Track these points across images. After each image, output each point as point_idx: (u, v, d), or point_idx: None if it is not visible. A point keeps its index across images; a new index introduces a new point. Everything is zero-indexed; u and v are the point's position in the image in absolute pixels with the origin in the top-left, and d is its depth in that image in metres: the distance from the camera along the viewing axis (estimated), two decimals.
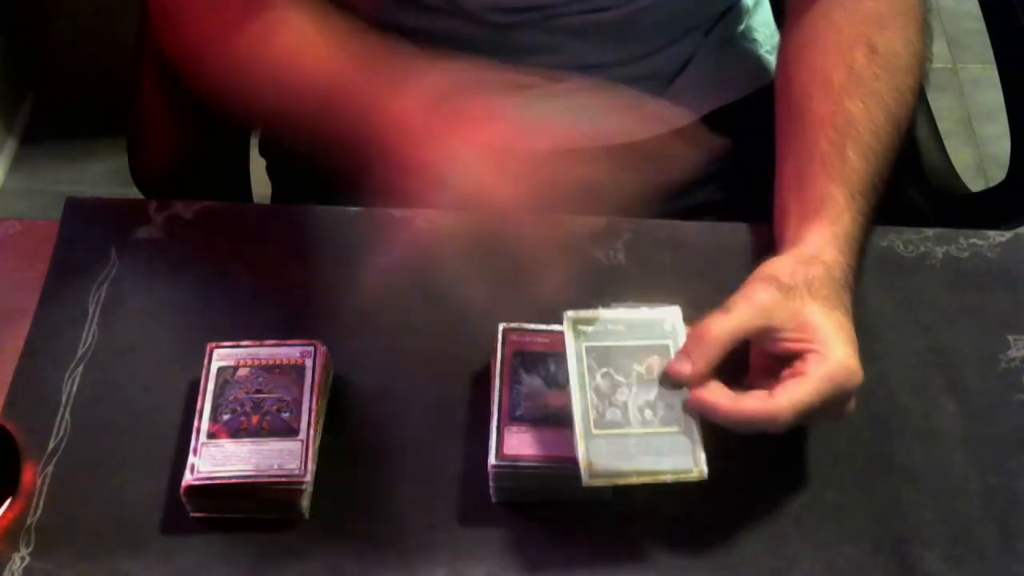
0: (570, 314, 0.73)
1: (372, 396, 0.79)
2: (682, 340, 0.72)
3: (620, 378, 0.71)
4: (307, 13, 0.83)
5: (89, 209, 0.89)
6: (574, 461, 0.70)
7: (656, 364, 0.72)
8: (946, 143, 1.13)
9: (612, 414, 0.70)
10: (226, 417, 0.73)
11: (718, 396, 0.70)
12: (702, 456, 0.69)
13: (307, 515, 0.73)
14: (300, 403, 0.74)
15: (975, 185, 1.13)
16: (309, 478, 0.72)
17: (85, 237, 0.87)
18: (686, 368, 0.70)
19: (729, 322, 0.71)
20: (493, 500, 0.74)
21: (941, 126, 1.13)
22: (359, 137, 0.77)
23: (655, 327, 0.73)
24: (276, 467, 0.72)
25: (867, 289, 0.85)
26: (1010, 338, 0.83)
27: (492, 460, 0.72)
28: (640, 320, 0.74)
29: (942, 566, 0.72)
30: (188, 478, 0.71)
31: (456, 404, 0.78)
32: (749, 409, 0.69)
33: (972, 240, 0.88)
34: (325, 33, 0.82)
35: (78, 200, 0.89)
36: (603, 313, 0.74)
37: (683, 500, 0.74)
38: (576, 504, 0.74)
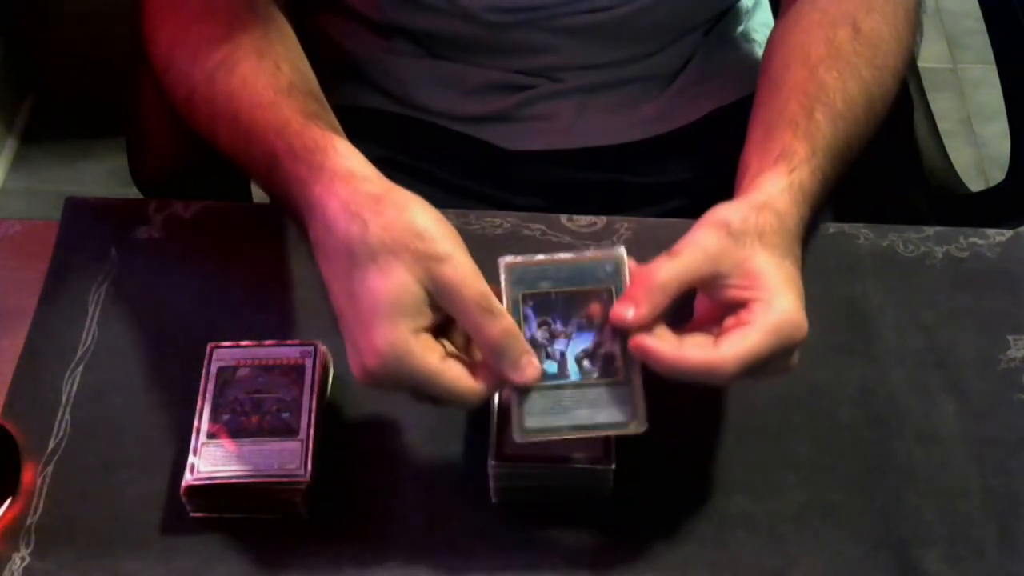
0: (506, 260, 0.69)
1: (372, 396, 0.79)
2: (626, 286, 0.68)
3: (558, 327, 0.67)
4: (259, 59, 0.79)
5: (89, 209, 0.89)
6: (574, 461, 0.70)
7: (598, 310, 0.67)
8: (946, 143, 1.13)
9: (549, 366, 0.67)
10: (226, 417, 0.73)
11: (661, 343, 0.66)
12: (642, 408, 0.66)
13: (307, 515, 0.73)
14: (300, 403, 0.74)
15: (975, 185, 1.13)
16: (309, 478, 0.72)
17: (85, 237, 0.87)
18: (628, 313, 0.66)
19: (675, 267, 0.67)
20: (493, 500, 0.74)
21: (941, 126, 1.13)
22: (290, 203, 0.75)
23: (597, 270, 0.68)
24: (276, 467, 0.72)
25: (867, 289, 0.85)
26: (1010, 338, 0.83)
27: (492, 460, 0.72)
28: (581, 265, 0.68)
29: (942, 566, 0.72)
30: (188, 478, 0.71)
31: None
32: (691, 359, 0.66)
33: (972, 240, 0.88)
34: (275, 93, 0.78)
35: (78, 200, 0.89)
36: (540, 257, 0.69)
37: (683, 499, 0.74)
38: (576, 504, 0.74)
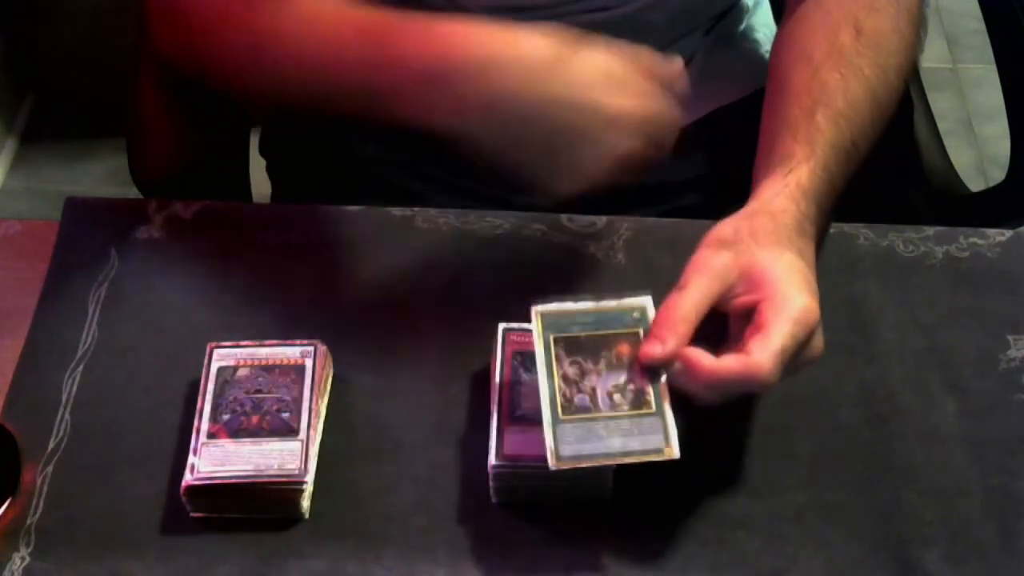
0: (539, 308, 0.72)
1: (372, 396, 0.79)
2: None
3: (589, 365, 0.70)
4: None
5: (89, 209, 0.89)
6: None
7: (627, 350, 0.70)
8: (946, 143, 1.13)
9: (580, 400, 0.69)
10: (226, 417, 0.73)
11: (700, 357, 0.68)
12: (674, 436, 0.68)
13: (307, 515, 0.73)
14: (300, 403, 0.74)
15: (975, 185, 1.13)
16: (309, 478, 0.72)
17: (85, 237, 0.87)
18: (657, 349, 0.68)
19: (689, 298, 0.69)
20: (493, 500, 0.74)
21: (941, 126, 1.13)
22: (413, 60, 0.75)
23: (625, 316, 0.72)
24: (276, 467, 0.72)
25: (867, 289, 0.85)
26: (1010, 338, 0.83)
27: (492, 460, 0.72)
28: (609, 310, 0.72)
29: (942, 566, 0.72)
30: (188, 478, 0.71)
31: (456, 404, 0.78)
32: (731, 366, 0.67)
33: (972, 240, 0.88)
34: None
35: (78, 200, 0.89)
36: (571, 305, 0.72)
37: (683, 500, 0.74)
38: (576, 504, 0.74)
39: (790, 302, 0.69)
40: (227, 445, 0.72)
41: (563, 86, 0.73)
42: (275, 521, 0.73)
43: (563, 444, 0.68)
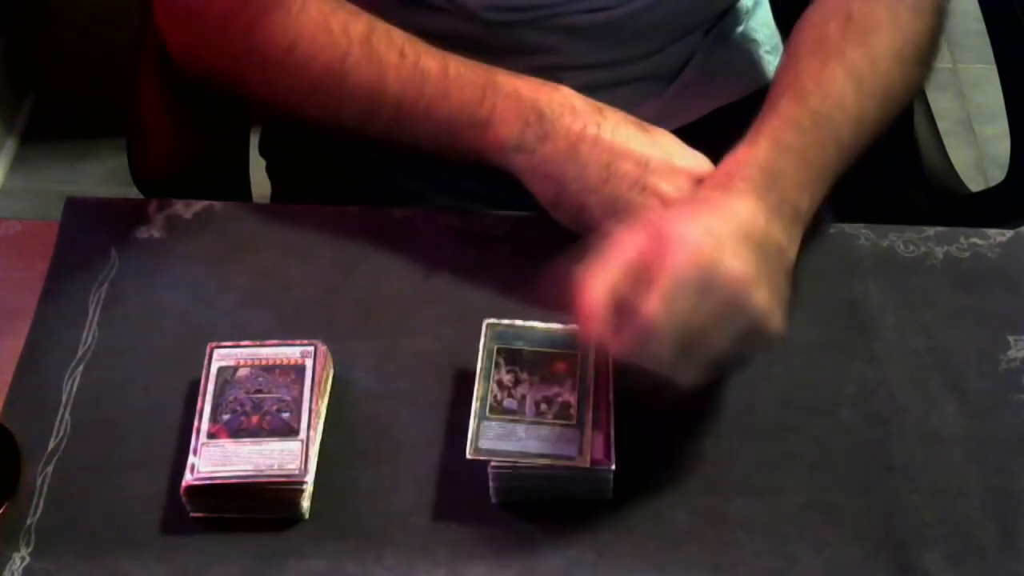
0: (489, 321, 0.77)
1: (372, 396, 0.79)
2: (592, 354, 0.75)
3: (524, 376, 0.75)
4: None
5: (89, 209, 0.89)
6: (575, 461, 0.70)
7: (562, 368, 0.75)
8: (946, 143, 1.13)
9: (509, 403, 0.73)
10: (226, 417, 0.74)
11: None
12: (588, 447, 0.71)
13: (307, 515, 0.73)
14: (300, 403, 0.74)
15: (975, 185, 1.13)
16: (309, 478, 0.72)
17: (85, 237, 0.87)
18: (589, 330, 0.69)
19: (599, 275, 0.69)
20: (493, 500, 0.74)
21: (941, 126, 1.13)
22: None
23: (568, 339, 0.76)
24: (276, 467, 0.72)
25: (867, 289, 0.85)
26: (1010, 338, 0.83)
27: (492, 460, 0.72)
28: (554, 332, 0.77)
29: (942, 566, 0.72)
30: (188, 478, 0.71)
31: (456, 404, 0.78)
32: (627, 331, 0.68)
33: (972, 240, 0.88)
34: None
35: (78, 200, 0.89)
36: (519, 323, 0.77)
37: (683, 500, 0.74)
38: (576, 504, 0.74)
39: (671, 249, 0.68)
40: (227, 445, 0.72)
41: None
42: (275, 521, 0.73)
43: (483, 438, 0.72)
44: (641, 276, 0.69)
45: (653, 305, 0.67)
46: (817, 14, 0.86)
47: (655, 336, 0.68)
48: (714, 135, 1.02)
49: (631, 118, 0.81)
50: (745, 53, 1.03)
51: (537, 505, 0.74)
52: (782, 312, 0.71)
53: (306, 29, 0.84)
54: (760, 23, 1.05)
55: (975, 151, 1.96)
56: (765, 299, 0.70)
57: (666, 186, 0.78)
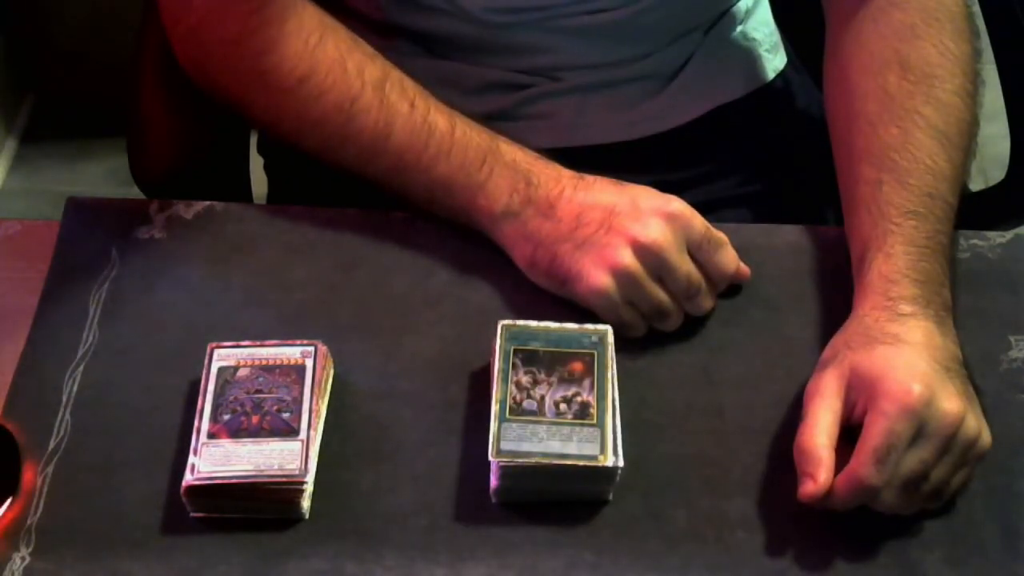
0: (504, 323, 0.77)
1: (372, 396, 0.79)
2: (609, 353, 0.76)
3: (542, 376, 0.75)
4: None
5: (89, 209, 0.89)
6: (597, 460, 0.70)
7: (579, 368, 0.75)
8: None
9: (528, 404, 0.73)
10: (226, 417, 0.73)
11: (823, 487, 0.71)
12: (610, 447, 0.72)
13: (307, 515, 0.73)
14: (300, 403, 0.74)
15: (975, 185, 1.13)
16: (309, 478, 0.72)
17: (85, 237, 0.87)
18: (810, 487, 0.71)
19: (814, 425, 0.73)
20: (493, 500, 0.74)
21: None
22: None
23: (583, 338, 0.76)
24: (276, 467, 0.72)
25: None
26: (1011, 338, 0.83)
27: (493, 460, 0.72)
28: (570, 331, 0.77)
29: (943, 567, 0.72)
30: (188, 478, 0.71)
31: (456, 404, 0.78)
32: (839, 487, 0.71)
33: (972, 240, 0.88)
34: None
35: (78, 200, 0.89)
36: (534, 323, 0.77)
37: (683, 500, 0.74)
38: (576, 504, 0.74)
39: (880, 397, 0.71)
40: (227, 445, 0.72)
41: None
42: (275, 521, 0.73)
43: (504, 440, 0.72)
44: (860, 420, 0.72)
45: (868, 469, 0.70)
46: (865, 56, 0.86)
47: (875, 492, 0.71)
48: (714, 134, 1.02)
49: (612, 180, 0.83)
50: (744, 52, 1.03)
51: (537, 505, 0.74)
52: (986, 426, 0.74)
53: (322, 63, 0.84)
54: (760, 22, 1.05)
55: (975, 151, 1.96)
56: (975, 425, 0.73)
57: (632, 225, 0.79)
